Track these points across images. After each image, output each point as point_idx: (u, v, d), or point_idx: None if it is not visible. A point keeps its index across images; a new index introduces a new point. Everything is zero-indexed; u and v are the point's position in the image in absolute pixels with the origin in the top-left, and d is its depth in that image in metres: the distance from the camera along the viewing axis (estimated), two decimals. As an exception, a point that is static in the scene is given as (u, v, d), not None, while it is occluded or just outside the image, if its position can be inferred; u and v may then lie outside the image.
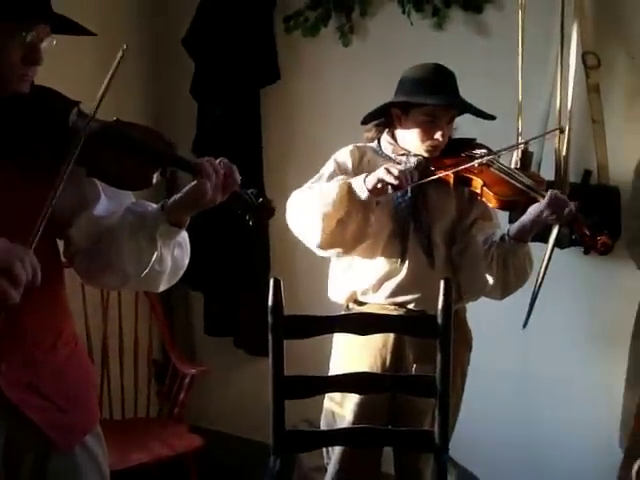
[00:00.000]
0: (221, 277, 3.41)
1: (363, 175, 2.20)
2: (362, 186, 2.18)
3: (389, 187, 2.14)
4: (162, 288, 1.71)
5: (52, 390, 1.61)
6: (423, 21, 3.01)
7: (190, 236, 1.64)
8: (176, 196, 1.58)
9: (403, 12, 3.02)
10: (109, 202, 1.62)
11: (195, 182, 1.54)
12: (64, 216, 1.59)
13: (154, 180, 1.53)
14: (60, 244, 1.68)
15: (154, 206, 1.62)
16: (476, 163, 2.26)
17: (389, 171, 2.14)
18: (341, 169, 2.35)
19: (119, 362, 3.11)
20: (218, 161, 1.57)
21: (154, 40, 3.51)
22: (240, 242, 3.31)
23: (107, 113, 1.57)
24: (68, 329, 1.70)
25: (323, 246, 2.26)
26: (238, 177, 1.58)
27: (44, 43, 1.51)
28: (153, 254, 1.58)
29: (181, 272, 1.71)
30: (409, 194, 2.31)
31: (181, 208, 1.58)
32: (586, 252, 2.23)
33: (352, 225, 2.21)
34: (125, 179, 1.55)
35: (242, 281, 3.35)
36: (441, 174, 2.27)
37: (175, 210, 1.58)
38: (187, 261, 1.71)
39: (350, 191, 2.19)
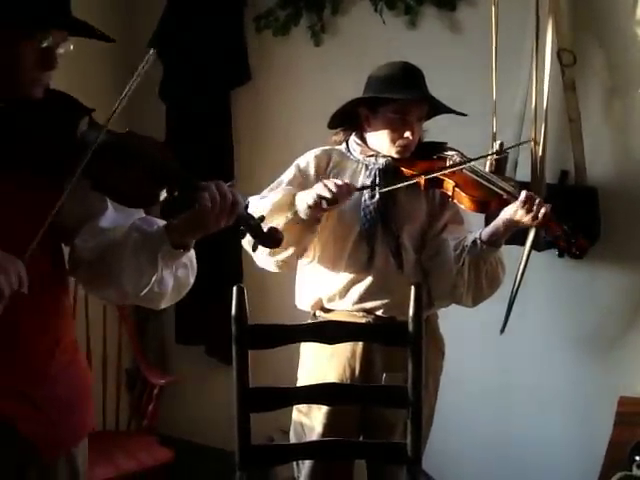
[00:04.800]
0: (192, 285, 3.32)
1: (306, 191, 2.16)
2: (303, 201, 2.14)
3: (324, 202, 2.10)
4: (164, 305, 1.68)
5: (46, 400, 1.58)
6: (395, 19, 2.94)
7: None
8: (180, 217, 1.54)
9: (375, 10, 2.96)
10: (116, 214, 1.59)
11: (198, 204, 1.50)
12: (69, 226, 1.56)
13: (160, 199, 1.49)
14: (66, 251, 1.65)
15: (160, 224, 1.58)
16: (447, 171, 2.20)
17: (326, 185, 2.10)
18: (302, 175, 2.29)
19: (87, 373, 3.02)
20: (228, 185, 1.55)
21: (121, 42, 3.41)
22: (211, 250, 3.22)
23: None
24: (67, 337, 1.66)
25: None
26: (242, 202, 1.56)
27: (60, 48, 1.48)
28: (153, 275, 1.54)
29: (185, 291, 1.68)
30: (377, 196, 2.25)
31: (184, 230, 1.54)
32: (560, 255, 2.19)
33: (287, 235, 2.12)
34: (130, 197, 1.51)
35: (213, 289, 3.26)
36: (410, 181, 2.21)
37: (178, 232, 1.54)
38: (192, 280, 1.67)
39: (292, 202, 2.16)
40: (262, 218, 1.65)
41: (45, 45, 1.44)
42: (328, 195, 2.08)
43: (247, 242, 2.01)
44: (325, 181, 2.12)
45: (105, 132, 1.45)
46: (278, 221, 2.13)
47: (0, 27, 1.41)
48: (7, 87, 1.45)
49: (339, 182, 2.12)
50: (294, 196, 2.17)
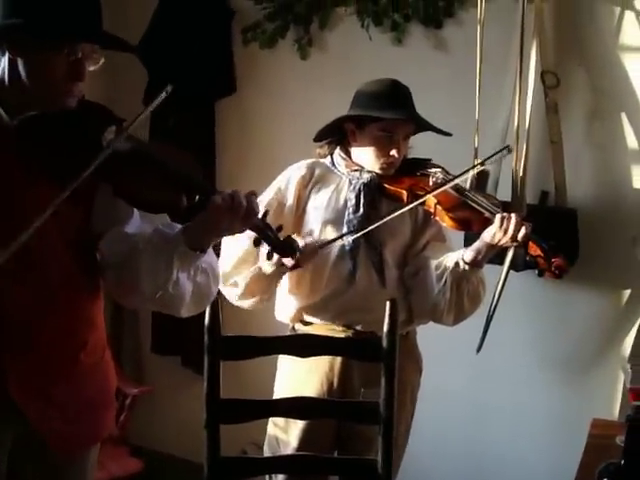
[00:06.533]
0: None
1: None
2: (266, 262, 2.13)
3: (283, 267, 2.11)
4: (185, 314, 1.69)
5: (64, 398, 1.61)
6: (382, 35, 2.95)
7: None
8: (195, 219, 1.58)
9: (362, 26, 2.96)
10: (142, 220, 1.63)
11: (210, 206, 1.55)
12: (96, 231, 1.62)
13: (181, 205, 1.53)
14: None
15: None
16: (432, 195, 2.19)
17: None
18: (279, 197, 2.28)
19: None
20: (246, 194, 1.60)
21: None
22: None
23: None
24: (94, 340, 1.70)
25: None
26: (257, 206, 1.59)
27: (89, 60, 1.53)
28: (169, 276, 1.57)
29: (207, 300, 1.71)
30: (361, 210, 2.23)
31: (198, 231, 1.58)
32: (540, 274, 2.18)
33: (253, 286, 2.20)
34: (149, 203, 1.55)
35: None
36: (385, 219, 2.18)
37: (193, 233, 1.57)
38: (215, 289, 1.70)
39: (255, 257, 2.15)
40: (280, 228, 1.67)
41: (74, 58, 1.50)
42: (288, 263, 2.08)
43: (262, 252, 2.02)
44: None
45: (127, 139, 1.50)
46: (244, 274, 2.16)
47: (32, 41, 1.48)
48: (41, 99, 1.52)
49: (301, 243, 2.07)
50: (257, 253, 2.17)
